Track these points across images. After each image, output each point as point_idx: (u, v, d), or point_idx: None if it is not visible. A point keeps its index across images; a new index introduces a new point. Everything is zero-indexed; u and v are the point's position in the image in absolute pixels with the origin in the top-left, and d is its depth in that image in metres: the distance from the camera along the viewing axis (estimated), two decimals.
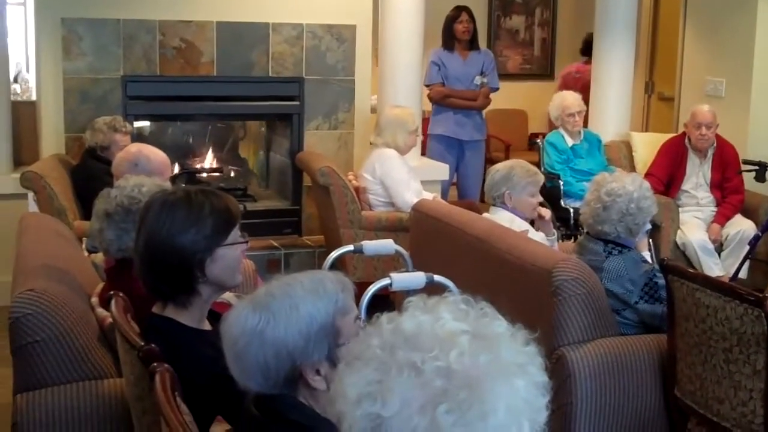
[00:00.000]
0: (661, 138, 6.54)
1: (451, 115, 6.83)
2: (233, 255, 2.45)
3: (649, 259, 4.06)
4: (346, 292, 1.99)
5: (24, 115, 6.24)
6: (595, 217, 3.68)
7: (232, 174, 6.61)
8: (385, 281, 3.33)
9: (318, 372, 1.90)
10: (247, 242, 2.51)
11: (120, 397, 2.74)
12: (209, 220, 2.41)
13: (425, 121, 6.88)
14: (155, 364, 2.09)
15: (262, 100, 6.17)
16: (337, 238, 5.41)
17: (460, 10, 6.91)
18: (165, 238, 2.38)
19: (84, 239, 4.05)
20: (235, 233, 2.46)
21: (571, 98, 6.38)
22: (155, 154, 3.99)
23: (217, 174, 6.45)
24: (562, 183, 6.15)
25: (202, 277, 2.41)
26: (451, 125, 6.82)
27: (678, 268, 3.34)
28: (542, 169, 6.12)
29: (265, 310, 1.91)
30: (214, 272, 2.42)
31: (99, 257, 3.63)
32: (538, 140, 6.64)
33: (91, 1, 5.73)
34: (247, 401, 1.95)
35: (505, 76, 8.61)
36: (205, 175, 6.40)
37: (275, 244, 6.03)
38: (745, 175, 6.02)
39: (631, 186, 3.67)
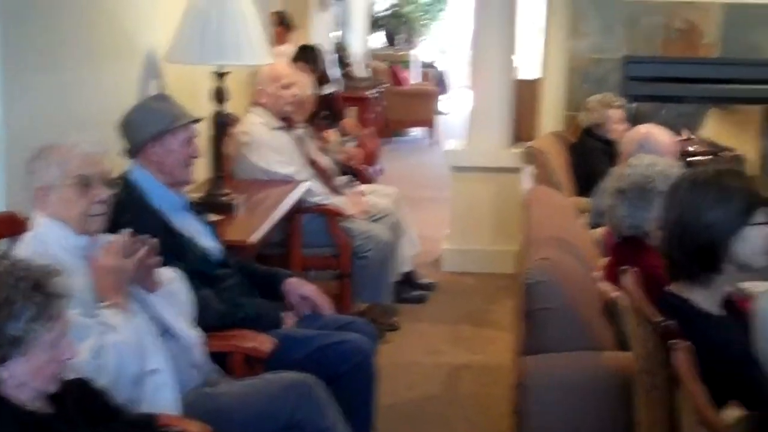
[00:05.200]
0: None
1: None
2: (760, 236, 2.41)
3: None
4: None
5: (521, 92, 6.48)
6: None
7: (724, 159, 6.40)
8: None
9: None
10: None
11: (619, 370, 2.76)
12: (738, 198, 2.38)
13: None
14: (675, 340, 2.11)
15: (765, 83, 5.91)
16: None
17: None
18: (695, 216, 2.39)
19: (584, 214, 4.16)
20: (761, 215, 2.41)
21: None
22: (662, 136, 3.99)
23: (709, 158, 6.28)
24: None
25: (727, 256, 2.40)
26: None
27: None
28: None
29: None
30: (740, 251, 2.39)
31: (597, 233, 3.72)
32: None
33: None
34: None
35: None
36: (701, 158, 6.26)
37: None
38: None
39: None
